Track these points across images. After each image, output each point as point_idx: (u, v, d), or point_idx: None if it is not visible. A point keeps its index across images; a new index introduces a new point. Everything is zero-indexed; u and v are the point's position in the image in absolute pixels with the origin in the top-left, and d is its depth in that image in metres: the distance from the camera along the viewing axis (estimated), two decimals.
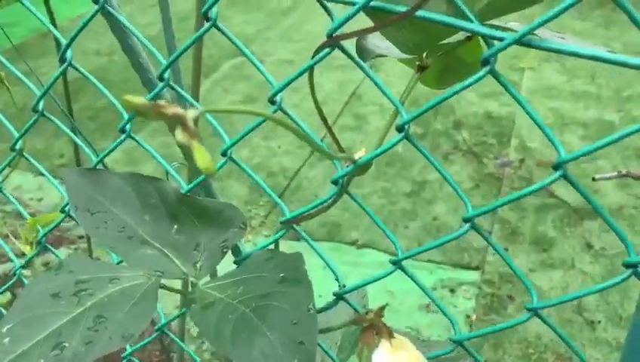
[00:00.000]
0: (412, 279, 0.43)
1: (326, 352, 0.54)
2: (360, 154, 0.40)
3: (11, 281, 0.67)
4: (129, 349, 0.73)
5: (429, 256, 2.31)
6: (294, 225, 0.48)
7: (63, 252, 2.33)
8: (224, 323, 0.39)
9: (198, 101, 0.64)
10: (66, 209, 0.57)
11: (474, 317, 2.11)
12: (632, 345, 0.50)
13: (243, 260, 0.49)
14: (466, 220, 0.41)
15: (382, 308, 0.34)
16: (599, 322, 2.07)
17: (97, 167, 0.51)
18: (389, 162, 2.82)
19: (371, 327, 0.34)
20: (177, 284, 0.51)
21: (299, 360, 0.35)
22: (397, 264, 0.42)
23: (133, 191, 0.49)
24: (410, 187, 2.70)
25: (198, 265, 0.46)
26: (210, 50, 3.77)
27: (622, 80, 3.32)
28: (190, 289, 0.45)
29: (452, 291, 2.22)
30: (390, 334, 0.34)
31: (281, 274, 0.42)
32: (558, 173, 0.34)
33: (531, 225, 2.49)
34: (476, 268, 2.29)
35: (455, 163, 2.83)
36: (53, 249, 0.70)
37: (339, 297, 0.49)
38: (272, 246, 0.50)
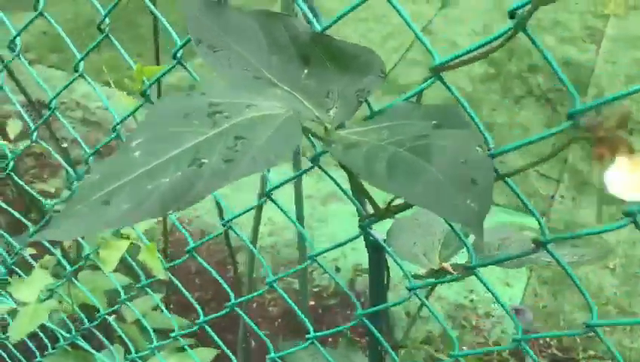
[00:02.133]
0: None
1: (452, 228, 0.49)
2: None
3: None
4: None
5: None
6: (443, 79, 0.43)
7: None
8: (375, 161, 0.34)
9: None
10: (178, 55, 0.53)
11: None
12: None
13: (377, 114, 0.44)
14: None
15: (625, 116, 0.29)
16: None
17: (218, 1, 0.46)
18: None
19: (606, 139, 0.29)
20: None
21: (472, 200, 0.30)
22: None
23: (260, 30, 0.45)
24: None
25: (331, 112, 0.42)
26: None
27: None
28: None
29: None
30: (630, 149, 0.29)
31: (434, 122, 0.37)
32: None
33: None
34: (541, 215, 2.21)
35: (526, 108, 2.70)
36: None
37: None
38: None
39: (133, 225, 0.30)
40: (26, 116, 0.76)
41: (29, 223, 0.94)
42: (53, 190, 1.28)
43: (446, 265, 0.56)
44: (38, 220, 1.26)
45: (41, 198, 0.80)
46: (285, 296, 0.60)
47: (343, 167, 0.43)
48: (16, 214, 0.92)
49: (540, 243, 0.42)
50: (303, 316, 0.61)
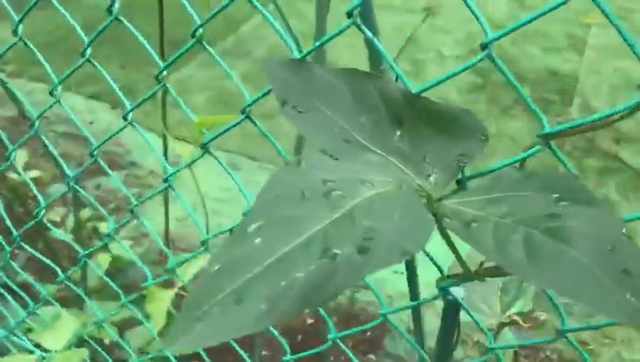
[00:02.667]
0: None
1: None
2: None
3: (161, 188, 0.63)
4: None
5: None
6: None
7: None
8: (508, 243, 0.32)
9: None
10: (246, 110, 0.50)
11: None
12: None
13: (469, 179, 0.42)
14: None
15: None
16: None
17: (302, 60, 0.44)
18: None
19: None
20: None
21: (632, 294, 0.29)
22: None
23: (347, 90, 0.43)
24: None
25: (431, 178, 0.40)
26: None
27: None
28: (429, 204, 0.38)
29: None
30: None
31: (555, 195, 0.36)
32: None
33: (592, 188, 2.40)
34: None
35: (515, 118, 2.73)
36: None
37: None
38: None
39: (269, 327, 0.28)
40: (55, 154, 0.72)
41: (57, 268, 0.89)
42: (58, 219, 1.24)
43: (515, 316, 0.55)
44: (45, 251, 1.21)
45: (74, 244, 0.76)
46: (355, 358, 0.58)
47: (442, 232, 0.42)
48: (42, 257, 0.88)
49: None
50: None
